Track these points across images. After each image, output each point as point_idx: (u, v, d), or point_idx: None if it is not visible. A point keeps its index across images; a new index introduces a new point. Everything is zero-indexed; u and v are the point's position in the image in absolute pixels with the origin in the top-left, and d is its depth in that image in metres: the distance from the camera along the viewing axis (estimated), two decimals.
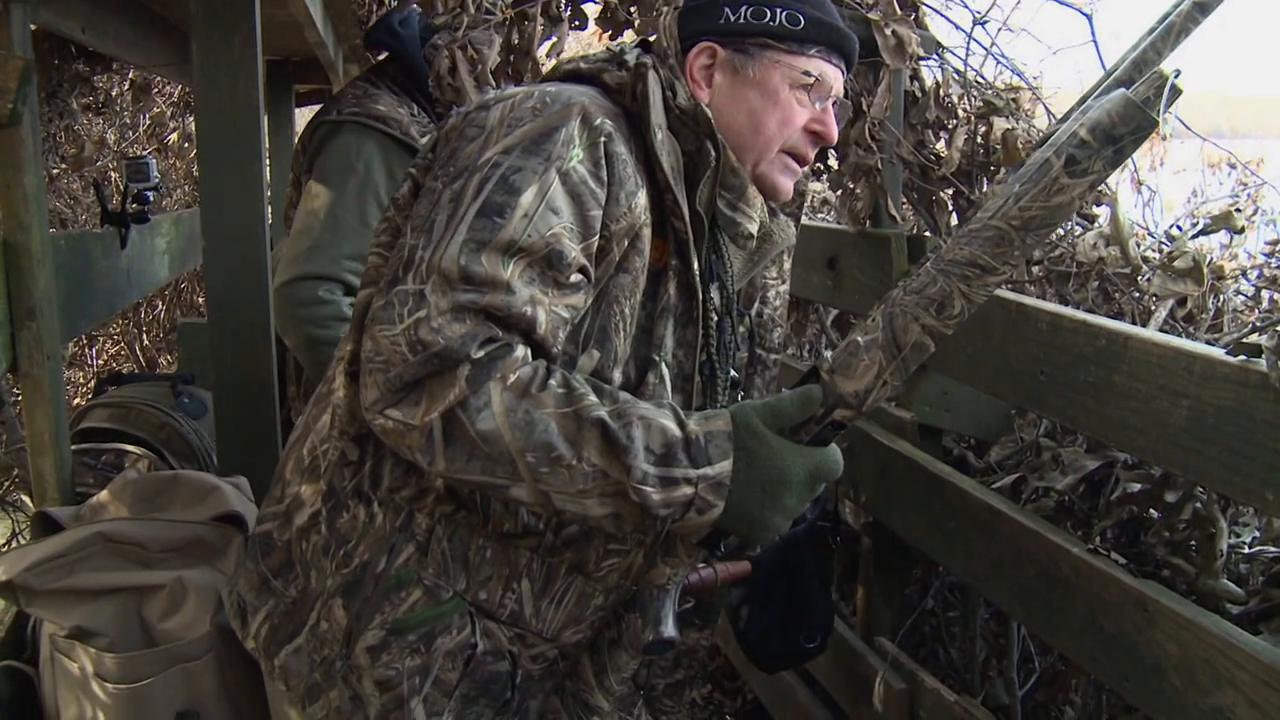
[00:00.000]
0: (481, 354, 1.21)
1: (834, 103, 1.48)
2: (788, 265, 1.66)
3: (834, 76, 1.47)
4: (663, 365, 1.40)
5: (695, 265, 1.40)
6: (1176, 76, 1.18)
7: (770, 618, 1.74)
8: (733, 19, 1.44)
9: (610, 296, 1.34)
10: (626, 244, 1.33)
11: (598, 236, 1.30)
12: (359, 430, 1.40)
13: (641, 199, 1.34)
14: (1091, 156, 1.18)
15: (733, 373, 1.53)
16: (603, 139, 1.31)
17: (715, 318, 1.47)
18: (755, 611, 1.75)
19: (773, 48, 1.43)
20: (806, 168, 1.54)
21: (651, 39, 1.53)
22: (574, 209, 1.28)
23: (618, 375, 1.36)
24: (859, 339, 1.28)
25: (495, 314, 1.23)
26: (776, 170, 1.47)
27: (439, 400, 1.21)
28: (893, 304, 1.27)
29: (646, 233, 1.35)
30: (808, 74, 1.44)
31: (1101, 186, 2.59)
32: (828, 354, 1.33)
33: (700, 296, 1.42)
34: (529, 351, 1.26)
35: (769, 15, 1.43)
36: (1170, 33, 1.25)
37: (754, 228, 1.46)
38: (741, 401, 1.33)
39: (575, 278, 1.29)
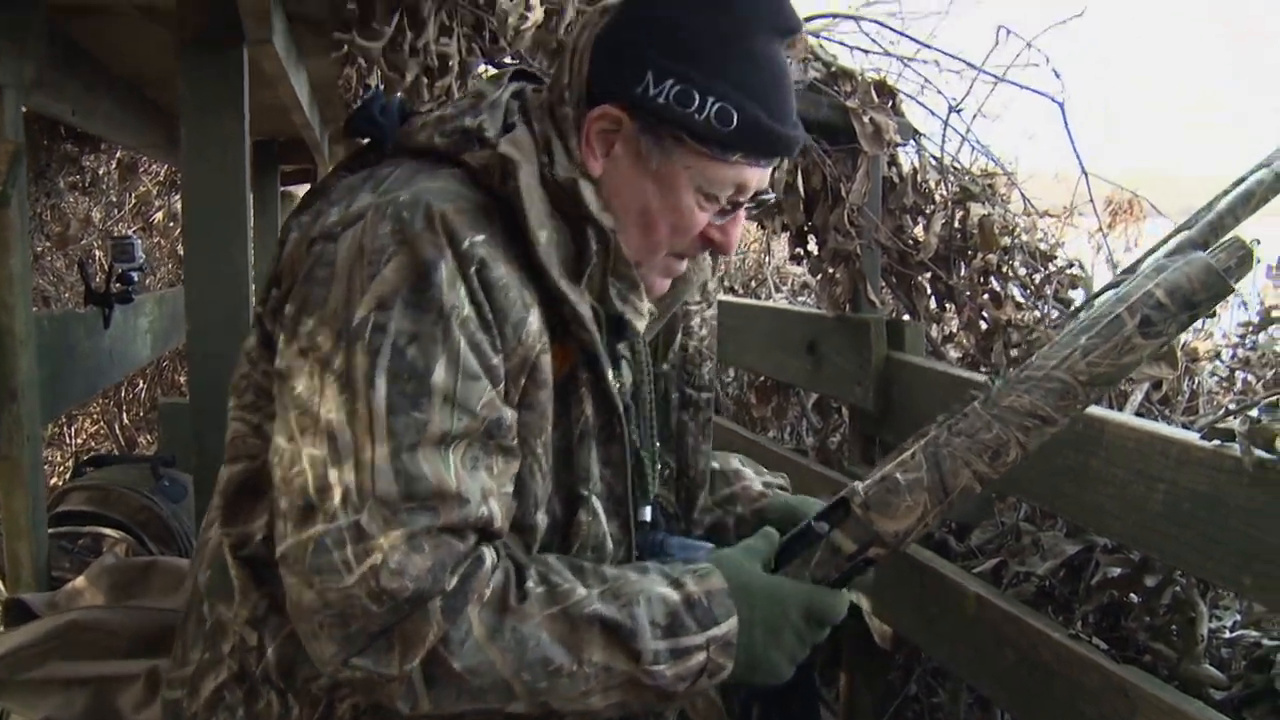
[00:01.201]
0: (454, 582, 1.08)
1: (750, 200, 1.28)
2: (711, 285, 1.47)
3: (756, 180, 1.25)
4: (593, 499, 1.25)
5: (610, 374, 1.23)
6: (1257, 245, 1.20)
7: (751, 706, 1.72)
8: (652, 92, 1.19)
9: (519, 439, 1.17)
10: (524, 380, 1.16)
11: (502, 384, 1.14)
12: (253, 614, 1.23)
13: (533, 322, 1.15)
14: (1167, 320, 1.17)
15: (663, 464, 1.40)
16: (474, 269, 1.10)
17: (624, 406, 1.28)
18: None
19: (687, 146, 1.20)
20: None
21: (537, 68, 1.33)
22: (482, 362, 1.11)
23: (541, 518, 1.21)
24: (899, 476, 1.22)
25: (454, 530, 1.08)
26: (656, 272, 1.29)
27: (416, 644, 1.06)
28: (938, 444, 1.21)
29: (545, 358, 1.17)
30: (722, 185, 1.23)
31: (1081, 273, 2.65)
32: (857, 485, 1.23)
33: (620, 408, 1.25)
34: (494, 552, 1.13)
35: (695, 103, 1.18)
36: (1250, 200, 1.27)
37: (642, 324, 1.27)
38: (721, 550, 1.25)
39: (514, 441, 1.15)
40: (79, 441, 6.61)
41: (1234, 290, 1.17)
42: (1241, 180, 1.24)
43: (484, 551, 1.11)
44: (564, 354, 1.21)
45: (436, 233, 1.10)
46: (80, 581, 1.97)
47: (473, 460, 1.10)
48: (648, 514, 1.34)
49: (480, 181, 1.18)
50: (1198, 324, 3.03)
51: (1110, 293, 1.22)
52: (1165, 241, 1.21)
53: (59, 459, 6.32)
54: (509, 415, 1.13)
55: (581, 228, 1.20)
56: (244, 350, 1.27)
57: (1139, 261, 1.20)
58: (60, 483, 4.42)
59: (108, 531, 2.65)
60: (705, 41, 1.19)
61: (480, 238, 1.12)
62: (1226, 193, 1.24)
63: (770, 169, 1.28)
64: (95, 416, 6.69)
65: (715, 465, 1.52)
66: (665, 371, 1.43)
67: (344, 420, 1.08)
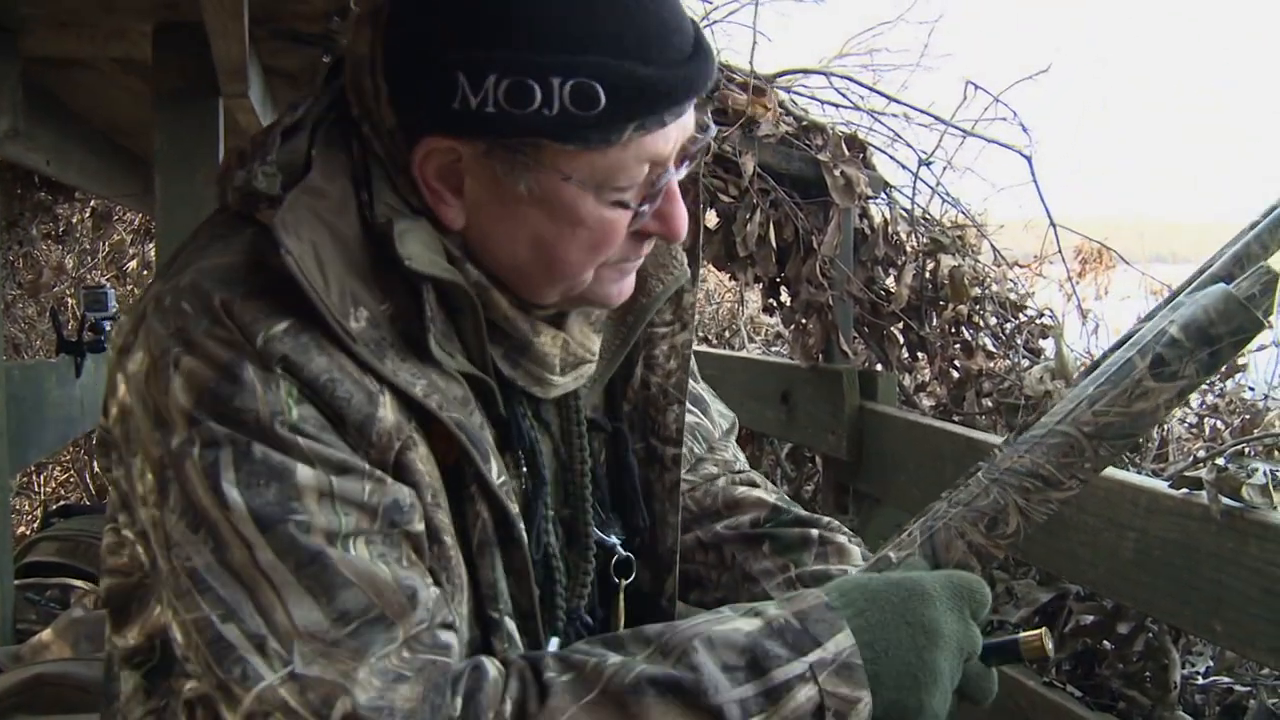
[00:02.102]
0: (459, 706, 0.85)
1: (683, 158, 0.97)
2: (689, 300, 1.16)
3: (673, 141, 0.94)
4: (505, 619, 0.96)
5: (492, 473, 0.94)
6: None
7: None
8: (473, 103, 0.86)
9: None
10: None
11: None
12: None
13: (383, 417, 0.89)
14: (1183, 358, 0.99)
15: (607, 538, 1.11)
16: (278, 369, 0.85)
17: (528, 498, 1.02)
18: None
19: (553, 150, 0.89)
20: None
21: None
22: (346, 459, 0.87)
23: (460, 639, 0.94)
24: (891, 555, 1.05)
25: (421, 640, 0.86)
26: (604, 284, 1.00)
27: None
28: (934, 517, 1.05)
29: (413, 454, 0.91)
30: (626, 172, 0.92)
31: (1052, 321, 2.68)
32: (852, 570, 1.10)
33: (510, 507, 0.96)
34: (495, 662, 0.90)
35: (537, 97, 0.86)
36: (1279, 226, 1.10)
37: (557, 378, 1.02)
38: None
39: (420, 524, 0.90)
40: (48, 490, 6.53)
41: (1262, 323, 1.00)
42: (1272, 209, 1.11)
43: (480, 659, 0.89)
44: (449, 439, 0.93)
45: (226, 327, 0.85)
46: (47, 634, 1.95)
47: (380, 558, 0.86)
48: (554, 646, 1.02)
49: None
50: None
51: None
52: (1188, 283, 1.07)
53: (27, 508, 6.24)
54: (406, 493, 0.89)
55: (414, 287, 0.91)
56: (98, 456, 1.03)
57: (1158, 308, 1.08)
58: (28, 532, 4.36)
59: (76, 583, 2.62)
60: (514, 1, 0.87)
61: (281, 327, 0.85)
62: (1255, 224, 1.12)
63: (689, 113, 0.95)
64: (65, 464, 6.62)
65: (815, 532, 1.22)
66: (628, 415, 1.15)
67: (214, 562, 0.84)
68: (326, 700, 0.81)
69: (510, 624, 0.96)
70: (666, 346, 1.15)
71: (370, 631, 0.83)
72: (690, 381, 1.29)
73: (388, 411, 0.89)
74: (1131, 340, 1.04)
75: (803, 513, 1.26)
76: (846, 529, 1.25)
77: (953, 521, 1.03)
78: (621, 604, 1.13)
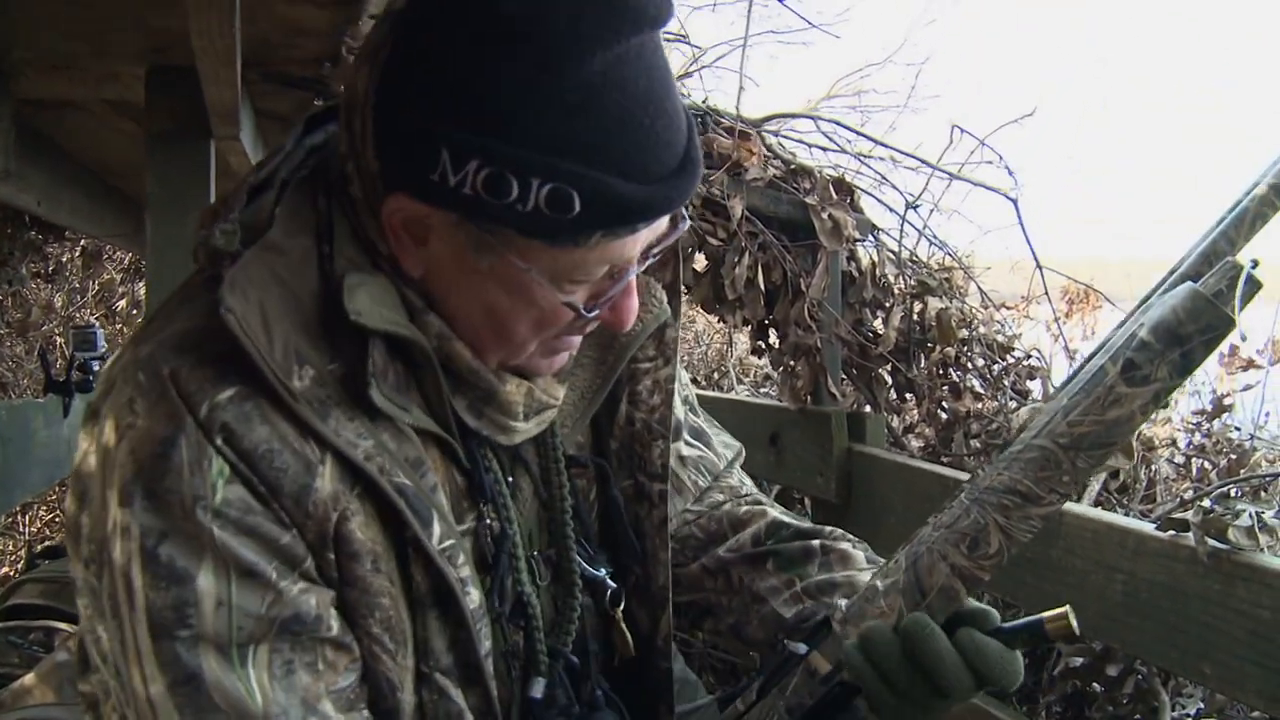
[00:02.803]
0: None
1: (646, 255, 0.98)
2: (671, 335, 1.16)
3: (637, 248, 0.95)
4: (436, 675, 0.98)
5: (432, 537, 0.95)
6: (1254, 267, 1.01)
7: None
8: (452, 180, 0.87)
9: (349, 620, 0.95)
10: (332, 555, 0.92)
11: (309, 560, 0.92)
12: None
13: (320, 488, 0.90)
14: (1154, 360, 0.97)
15: (596, 572, 1.12)
16: (217, 440, 0.87)
17: (499, 547, 1.03)
18: None
19: (520, 243, 0.91)
20: None
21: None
22: (262, 547, 0.88)
23: (406, 698, 0.98)
24: (877, 583, 1.04)
25: None
26: (540, 357, 1.03)
27: None
28: (919, 542, 1.03)
29: (353, 524, 0.93)
30: (585, 270, 0.94)
31: (1039, 363, 2.70)
32: (841, 603, 1.09)
33: (449, 572, 0.96)
34: None
35: (514, 192, 0.87)
36: (1244, 220, 1.08)
37: (520, 424, 1.03)
38: None
39: (335, 625, 0.92)
40: (33, 530, 6.48)
41: (1232, 320, 0.98)
42: (1237, 204, 1.09)
43: None
44: (383, 507, 0.95)
45: (170, 399, 0.87)
46: (30, 679, 1.92)
47: (285, 665, 0.89)
48: (539, 688, 1.05)
49: None
50: (1152, 416, 3.08)
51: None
52: (1159, 285, 1.05)
53: (12, 548, 6.19)
54: (312, 604, 0.90)
55: (364, 341, 0.92)
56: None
57: (1132, 314, 1.06)
58: (12, 573, 4.33)
59: (60, 625, 2.59)
60: (510, 95, 0.86)
61: (227, 394, 0.88)
62: (1221, 220, 1.10)
63: (660, 222, 0.95)
64: (51, 504, 6.57)
65: (816, 543, 1.23)
66: (615, 452, 1.16)
67: (119, 652, 0.88)
68: None
69: (441, 678, 0.98)
70: (650, 382, 1.16)
71: None
72: (690, 415, 1.33)
73: (325, 481, 0.91)
74: (1104, 348, 1.02)
75: (804, 524, 1.26)
76: (849, 535, 1.25)
77: (935, 545, 1.01)
78: (627, 633, 1.14)
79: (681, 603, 1.26)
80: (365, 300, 0.91)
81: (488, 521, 1.03)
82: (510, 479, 1.07)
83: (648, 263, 0.99)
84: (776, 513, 1.29)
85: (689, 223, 1.04)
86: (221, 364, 0.89)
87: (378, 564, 0.94)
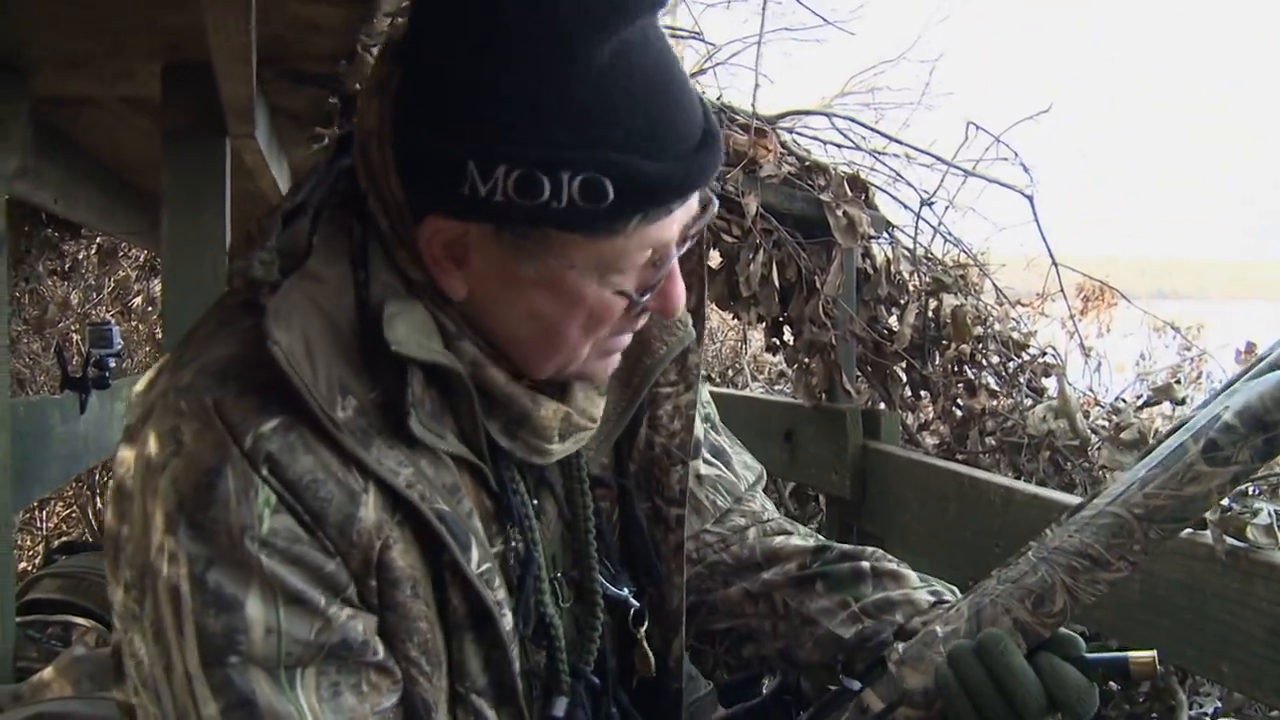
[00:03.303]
0: None
1: (684, 238, 0.98)
2: (694, 360, 1.17)
3: (677, 229, 0.96)
4: (472, 696, 1.00)
5: (471, 562, 0.96)
6: None
7: None
8: (482, 191, 0.87)
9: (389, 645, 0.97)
10: (374, 582, 0.93)
11: (351, 587, 0.93)
12: None
13: (364, 516, 0.92)
14: (1237, 444, 0.99)
15: (619, 592, 1.13)
16: (263, 471, 0.88)
17: (524, 573, 1.04)
18: None
19: (560, 240, 0.91)
20: None
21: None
22: (308, 575, 0.89)
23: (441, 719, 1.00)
24: (937, 629, 1.07)
25: None
26: (595, 360, 1.02)
27: None
28: (982, 594, 1.07)
29: (394, 552, 0.94)
30: (628, 258, 0.94)
31: (1054, 360, 2.69)
32: (898, 646, 1.10)
33: (488, 596, 0.98)
34: None
35: (546, 190, 0.87)
36: None
37: (555, 446, 1.03)
38: None
39: (380, 650, 0.93)
40: (50, 525, 6.52)
41: None
42: None
43: None
44: (423, 533, 0.96)
45: (215, 429, 0.88)
46: (48, 673, 1.94)
47: (331, 688, 0.90)
48: (561, 707, 1.06)
49: None
50: (1166, 412, 3.07)
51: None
52: (1245, 370, 1.08)
53: (29, 543, 6.22)
54: (359, 629, 0.92)
55: (402, 369, 0.92)
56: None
57: (1215, 395, 1.07)
58: (30, 569, 4.36)
59: (78, 620, 2.61)
60: (525, 97, 0.87)
61: (271, 425, 0.88)
62: None
63: (691, 202, 0.96)
64: (68, 500, 6.61)
65: (866, 564, 1.23)
66: (634, 475, 1.16)
67: (164, 679, 0.89)
68: None
69: (476, 699, 0.99)
70: (670, 407, 1.16)
71: None
72: (711, 433, 1.32)
73: (369, 510, 0.91)
74: (1186, 425, 1.04)
75: (847, 547, 1.27)
76: (891, 556, 1.25)
77: (999, 598, 1.04)
78: (649, 654, 1.14)
79: (719, 629, 1.26)
80: (404, 329, 0.92)
81: (514, 544, 1.03)
82: (535, 501, 1.07)
83: (686, 245, 0.98)
84: (809, 540, 1.29)
85: (718, 203, 1.04)
86: (265, 394, 0.89)
87: (416, 589, 0.95)
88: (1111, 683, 1.06)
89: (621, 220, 0.90)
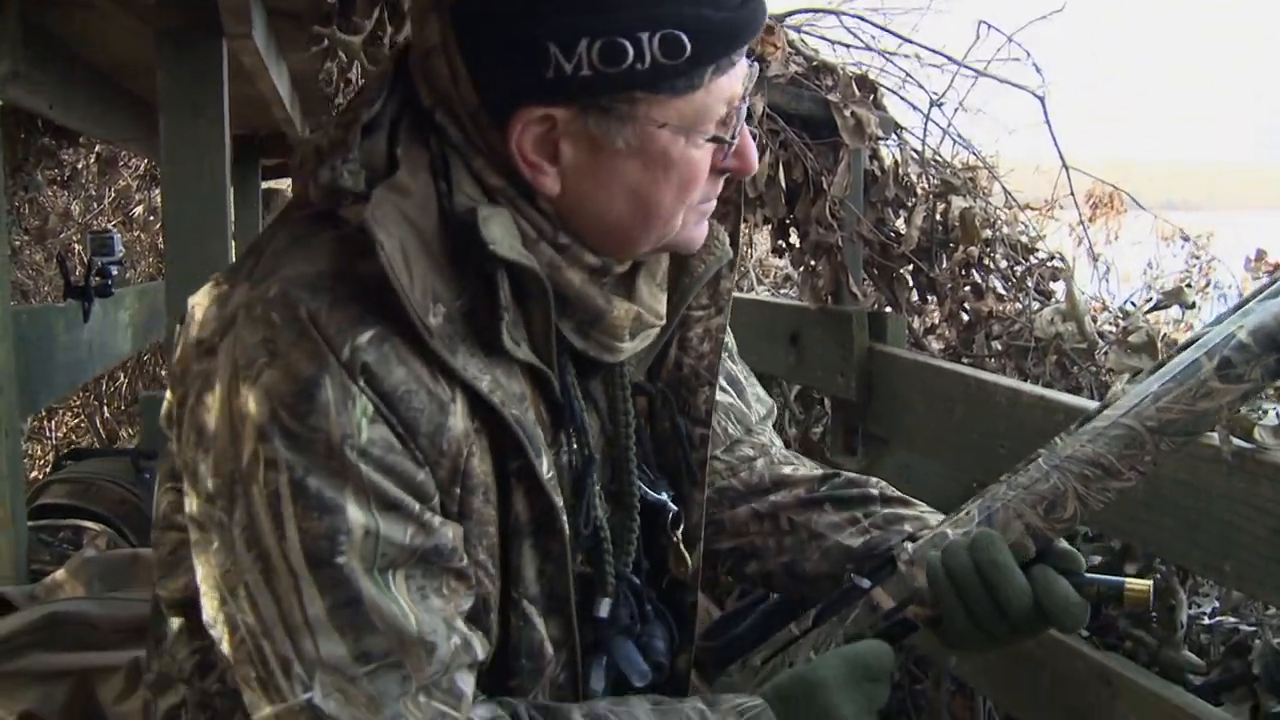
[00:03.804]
0: None
1: (746, 94, 1.02)
2: (726, 285, 1.20)
3: (742, 79, 1.00)
4: (524, 603, 1.03)
5: (543, 468, 0.99)
6: None
7: None
8: (568, 69, 0.90)
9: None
10: (458, 490, 0.96)
11: (437, 497, 0.96)
12: (192, 662, 1.11)
13: (453, 425, 0.94)
14: (1250, 362, 1.02)
15: (658, 495, 1.16)
16: (360, 381, 0.89)
17: (577, 482, 1.07)
18: None
19: (648, 102, 0.94)
20: None
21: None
22: (402, 484, 0.92)
23: (494, 621, 1.03)
24: (948, 531, 1.10)
25: (437, 688, 0.92)
26: (689, 227, 1.05)
27: None
28: (993, 498, 1.10)
29: (475, 460, 0.97)
30: (709, 113, 0.98)
31: (1062, 265, 2.67)
32: (907, 545, 1.13)
33: (557, 501, 1.02)
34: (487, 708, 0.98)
35: (629, 54, 0.90)
36: None
37: (625, 345, 1.06)
38: (774, 679, 1.07)
39: (465, 557, 0.97)
40: (59, 435, 6.57)
41: None
42: None
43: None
44: (503, 432, 0.99)
45: (312, 339, 0.89)
46: (61, 574, 1.96)
47: (419, 590, 0.93)
48: (605, 609, 1.10)
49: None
50: (1177, 316, 3.06)
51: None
52: (1259, 291, 1.11)
53: (39, 453, 6.28)
54: (449, 536, 0.95)
55: (493, 272, 0.95)
56: (162, 414, 1.07)
57: (1228, 313, 1.10)
58: (41, 476, 4.39)
59: (88, 524, 2.63)
60: None
61: (366, 337, 0.90)
62: None
63: (742, 64, 1.00)
64: (76, 410, 6.66)
65: (875, 490, 1.28)
66: (661, 391, 1.19)
67: (262, 583, 0.91)
68: None
69: (527, 606, 1.03)
70: (701, 330, 1.18)
71: (387, 675, 0.90)
72: (729, 363, 1.35)
73: (458, 420, 0.95)
74: (1199, 342, 1.07)
75: (854, 475, 1.30)
76: (894, 489, 1.29)
77: (1011, 503, 1.07)
78: (686, 555, 1.18)
79: (724, 549, 1.30)
80: (497, 230, 0.94)
81: (568, 452, 1.07)
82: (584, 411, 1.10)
83: (746, 103, 1.01)
84: (817, 469, 1.33)
85: (759, 65, 1.06)
86: (359, 305, 0.91)
87: (488, 495, 0.99)
88: (1103, 602, 1.09)
89: (699, 73, 0.94)
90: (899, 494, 1.27)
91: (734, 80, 0.98)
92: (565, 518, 1.03)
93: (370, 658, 0.90)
